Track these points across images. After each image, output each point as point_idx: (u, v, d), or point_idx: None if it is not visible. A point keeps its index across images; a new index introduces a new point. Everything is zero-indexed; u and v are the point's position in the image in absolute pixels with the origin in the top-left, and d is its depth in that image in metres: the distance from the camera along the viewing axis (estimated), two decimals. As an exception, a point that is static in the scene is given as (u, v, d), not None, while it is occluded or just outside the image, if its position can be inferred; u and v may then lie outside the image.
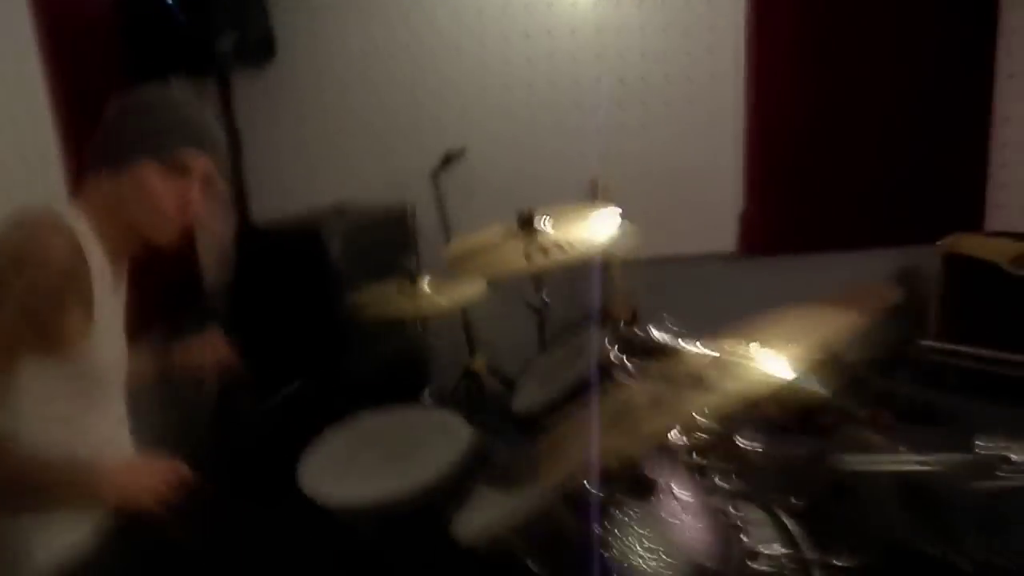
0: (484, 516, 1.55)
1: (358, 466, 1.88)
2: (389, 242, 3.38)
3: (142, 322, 1.69)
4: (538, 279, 2.46)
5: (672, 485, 1.48)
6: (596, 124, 3.47)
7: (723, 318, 1.61)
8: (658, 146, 3.53)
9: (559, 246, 1.97)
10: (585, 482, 1.42)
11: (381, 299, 2.36)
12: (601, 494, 1.43)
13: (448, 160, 3.49)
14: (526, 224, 2.07)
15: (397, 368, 3.18)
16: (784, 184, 3.52)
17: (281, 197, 3.54)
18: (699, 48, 3.43)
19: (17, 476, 1.32)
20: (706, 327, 1.64)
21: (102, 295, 1.45)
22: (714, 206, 3.58)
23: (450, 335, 3.45)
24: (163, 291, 2.47)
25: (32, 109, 2.39)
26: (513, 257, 1.99)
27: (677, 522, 1.42)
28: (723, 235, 3.59)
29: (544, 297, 2.40)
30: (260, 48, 3.26)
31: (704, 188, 3.57)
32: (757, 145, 3.49)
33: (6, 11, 2.29)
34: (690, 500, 1.45)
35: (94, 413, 1.49)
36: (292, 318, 2.88)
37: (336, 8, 3.45)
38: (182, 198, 1.47)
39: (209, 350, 1.86)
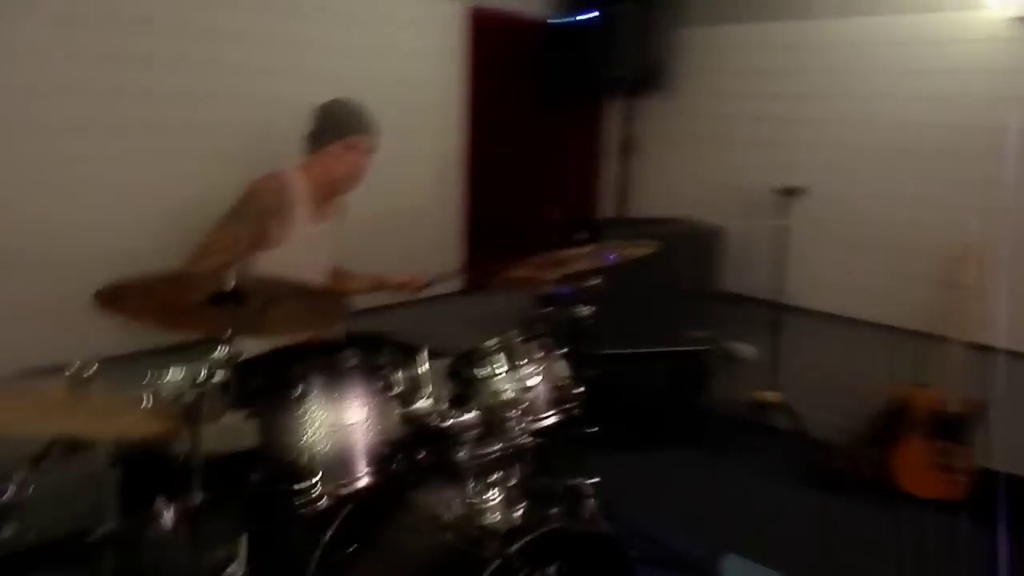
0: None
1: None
2: (700, 259, 3.53)
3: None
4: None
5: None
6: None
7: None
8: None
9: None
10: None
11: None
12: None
13: (791, 192, 3.42)
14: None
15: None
16: None
17: (658, 200, 4.00)
18: None
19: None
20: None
21: (301, 220, 2.38)
22: None
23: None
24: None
25: (447, 121, 3.46)
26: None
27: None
28: None
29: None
30: (653, 77, 3.78)
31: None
32: None
33: (446, 42, 3.42)
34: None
35: None
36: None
37: (735, 48, 3.70)
38: (354, 165, 2.41)
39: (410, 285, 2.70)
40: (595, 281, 2.35)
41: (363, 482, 1.63)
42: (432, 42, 3.37)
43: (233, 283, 1.45)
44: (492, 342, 1.96)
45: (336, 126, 2.40)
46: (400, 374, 1.74)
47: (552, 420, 1.96)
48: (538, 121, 3.86)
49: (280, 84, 2.83)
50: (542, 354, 2.00)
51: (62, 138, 2.41)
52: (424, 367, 1.76)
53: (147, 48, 2.52)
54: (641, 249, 2.32)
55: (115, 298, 1.49)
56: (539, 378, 1.83)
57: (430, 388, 1.75)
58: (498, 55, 3.61)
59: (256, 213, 2.30)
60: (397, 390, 1.72)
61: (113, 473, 1.87)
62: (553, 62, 3.83)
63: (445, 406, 1.72)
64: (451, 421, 1.70)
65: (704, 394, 3.61)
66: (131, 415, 1.57)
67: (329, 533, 1.78)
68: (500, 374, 1.93)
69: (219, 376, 1.39)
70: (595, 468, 2.41)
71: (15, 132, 2.32)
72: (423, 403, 1.72)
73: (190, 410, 1.40)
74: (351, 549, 1.75)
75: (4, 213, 2.33)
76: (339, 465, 1.62)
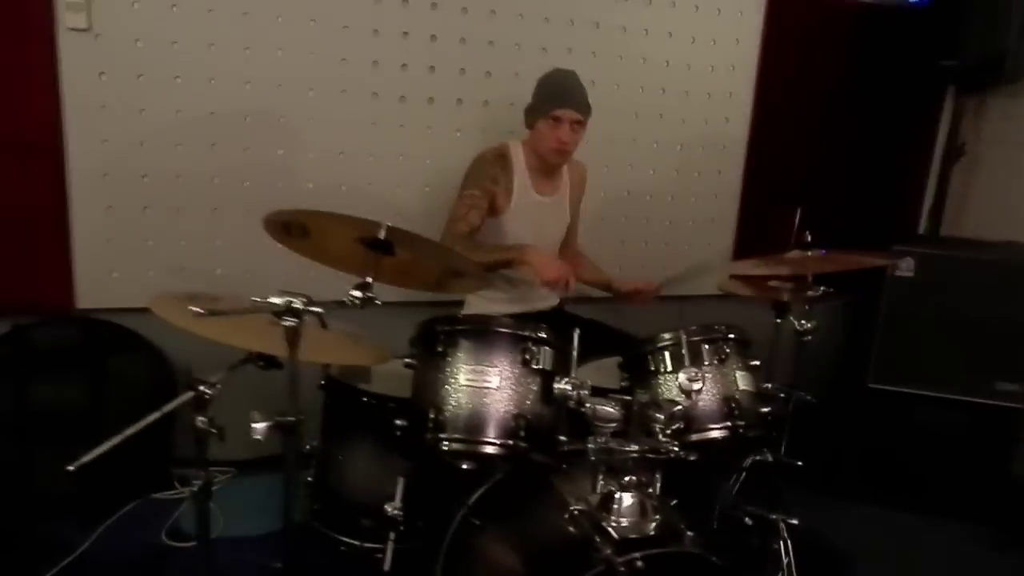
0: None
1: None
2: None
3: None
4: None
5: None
6: None
7: None
8: None
9: None
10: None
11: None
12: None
13: None
14: None
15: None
16: None
17: (988, 218, 3.33)
18: None
19: (477, 253, 2.29)
20: None
21: (520, 190, 2.49)
22: None
23: None
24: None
25: (735, 108, 3.26)
26: None
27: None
28: None
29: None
30: (996, 68, 3.13)
31: None
32: None
33: (744, 25, 3.20)
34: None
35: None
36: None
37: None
38: (559, 138, 2.40)
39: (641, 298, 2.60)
40: (822, 292, 2.01)
41: (491, 448, 1.61)
42: (730, 26, 3.19)
43: (384, 232, 1.52)
44: (667, 336, 1.80)
45: (541, 101, 2.43)
46: (547, 350, 1.68)
47: (715, 435, 1.74)
48: (843, 115, 3.41)
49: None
50: (721, 359, 1.78)
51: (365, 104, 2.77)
52: (574, 348, 1.68)
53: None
54: (880, 260, 1.93)
55: (279, 227, 1.66)
56: (703, 384, 1.63)
57: (573, 370, 1.66)
58: (800, 40, 3.28)
59: (487, 176, 2.45)
60: (539, 365, 1.66)
61: (319, 395, 2.13)
62: (870, 49, 3.35)
63: (586, 392, 1.63)
64: (588, 408, 1.60)
65: (1011, 462, 2.91)
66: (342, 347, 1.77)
67: (475, 497, 1.81)
68: (666, 372, 1.77)
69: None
70: (810, 510, 2.13)
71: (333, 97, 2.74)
72: (562, 384, 1.64)
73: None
74: (484, 517, 1.75)
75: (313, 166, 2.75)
76: (470, 426, 1.61)
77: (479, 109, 2.91)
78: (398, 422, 1.70)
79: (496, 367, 1.63)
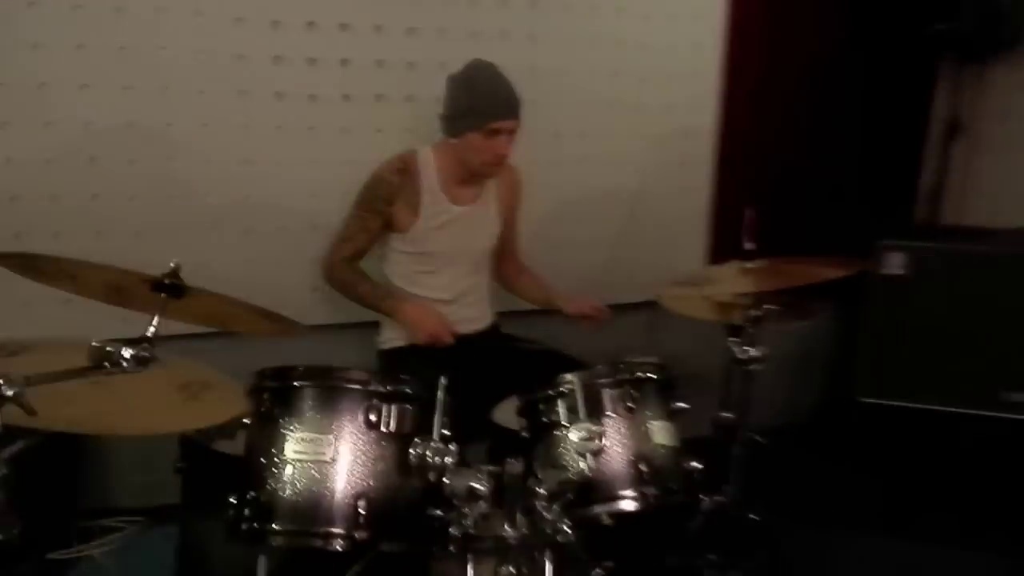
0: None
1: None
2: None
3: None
4: None
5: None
6: None
7: None
8: None
9: None
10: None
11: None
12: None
13: None
14: None
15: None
16: None
17: (994, 202, 2.92)
18: None
19: (353, 289, 2.20)
20: None
21: (431, 202, 2.19)
22: None
23: None
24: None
25: (697, 91, 2.88)
26: None
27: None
28: None
29: None
30: (1002, 34, 2.72)
31: None
32: None
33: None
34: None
35: (426, 277, 2.25)
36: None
37: None
38: (496, 152, 2.10)
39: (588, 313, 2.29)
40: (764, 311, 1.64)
41: (323, 541, 1.28)
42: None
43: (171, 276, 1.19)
44: (564, 380, 1.45)
45: (474, 112, 2.10)
46: (399, 407, 1.34)
47: (621, 506, 1.39)
48: (826, 92, 3.02)
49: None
50: (630, 408, 1.43)
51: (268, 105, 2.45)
52: (439, 400, 1.34)
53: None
54: (836, 271, 1.57)
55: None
56: (602, 443, 1.28)
57: (437, 429, 1.32)
58: (774, 6, 2.89)
59: (380, 198, 2.20)
60: (389, 427, 1.33)
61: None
62: (856, 15, 2.96)
63: (451, 459, 1.29)
64: (447, 484, 1.26)
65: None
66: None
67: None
68: (560, 425, 1.42)
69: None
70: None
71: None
72: (418, 450, 1.30)
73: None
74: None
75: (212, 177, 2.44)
76: (297, 512, 1.29)
77: (401, 106, 2.56)
78: (231, 499, 1.37)
79: (330, 434, 1.30)
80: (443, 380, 1.35)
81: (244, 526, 1.27)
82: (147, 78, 2.33)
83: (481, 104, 2.09)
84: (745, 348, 1.67)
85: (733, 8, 2.83)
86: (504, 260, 2.47)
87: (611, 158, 2.85)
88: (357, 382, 1.33)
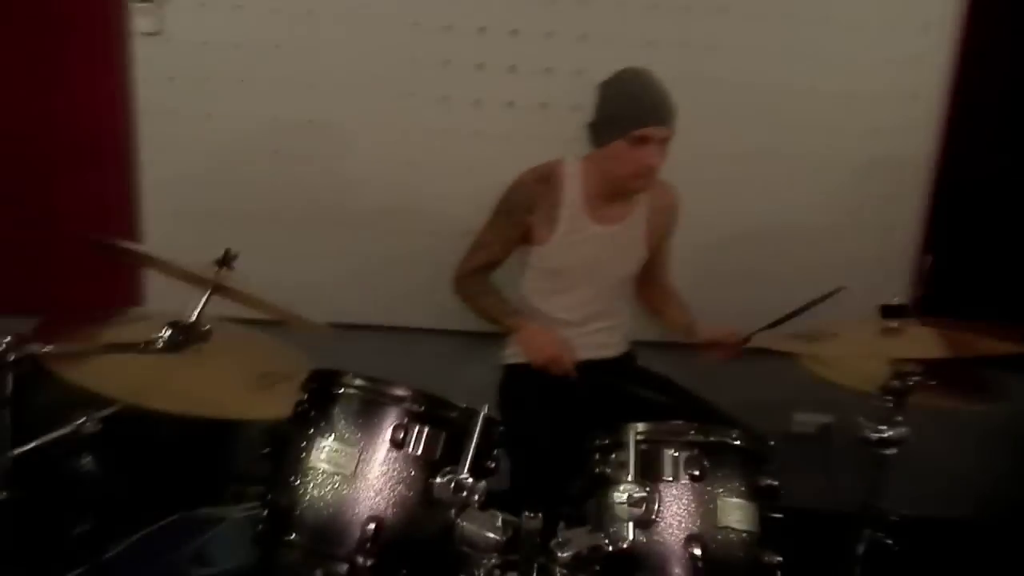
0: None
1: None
2: None
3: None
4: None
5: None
6: None
7: None
8: None
9: None
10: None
11: None
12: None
13: None
14: None
15: None
16: None
17: None
18: None
19: (477, 301, 2.12)
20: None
21: (570, 219, 2.04)
22: None
23: None
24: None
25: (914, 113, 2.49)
26: None
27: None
28: None
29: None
30: None
31: None
32: None
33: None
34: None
35: (556, 296, 2.11)
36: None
37: None
38: (643, 163, 1.91)
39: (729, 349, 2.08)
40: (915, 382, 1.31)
41: (332, 565, 1.21)
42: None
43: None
44: (628, 428, 1.26)
45: (620, 118, 1.91)
46: (429, 429, 1.24)
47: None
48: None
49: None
50: (697, 476, 1.19)
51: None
52: (476, 431, 1.22)
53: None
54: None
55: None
56: (650, 509, 1.08)
57: (465, 464, 1.20)
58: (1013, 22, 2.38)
59: (519, 206, 2.06)
60: (415, 450, 1.23)
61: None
62: None
63: (476, 496, 1.16)
64: (459, 527, 1.14)
65: None
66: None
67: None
68: (609, 481, 1.23)
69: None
70: None
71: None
72: (442, 479, 1.19)
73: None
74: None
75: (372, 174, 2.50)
76: (315, 528, 1.23)
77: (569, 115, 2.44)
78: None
79: (356, 446, 1.23)
80: (484, 411, 1.23)
81: (263, 528, 1.24)
82: (330, 78, 2.43)
83: (628, 110, 1.92)
84: (880, 427, 1.34)
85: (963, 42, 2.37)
86: (646, 284, 2.28)
87: (798, 184, 2.52)
88: (393, 396, 1.25)
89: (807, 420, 2.69)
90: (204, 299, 1.22)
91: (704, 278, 2.44)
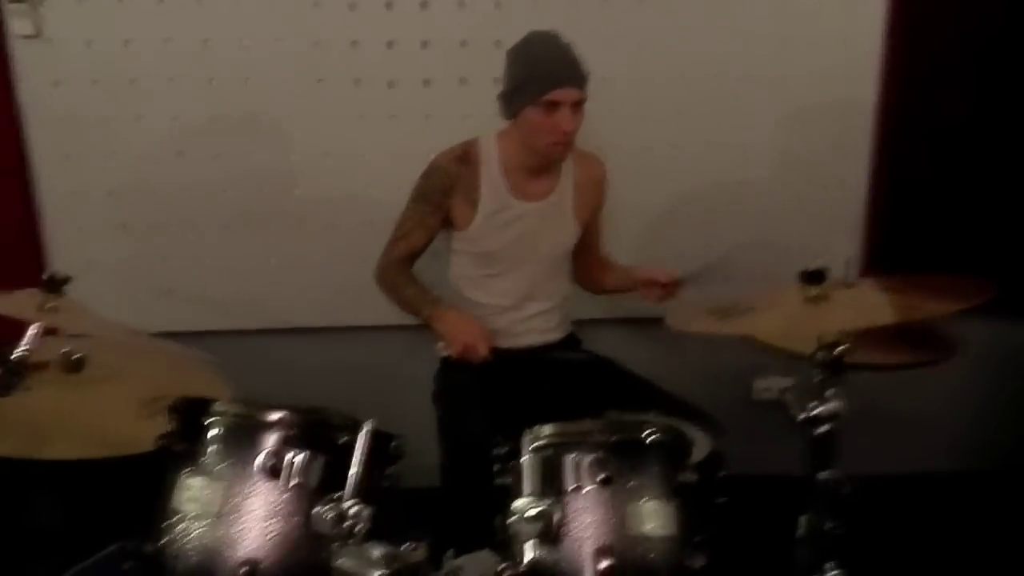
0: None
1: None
2: None
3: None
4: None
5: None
6: None
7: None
8: None
9: None
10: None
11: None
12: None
13: None
14: None
15: None
16: None
17: None
18: None
19: (397, 293, 1.99)
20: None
21: (492, 197, 1.93)
22: None
23: None
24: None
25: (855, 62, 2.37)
26: None
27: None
28: None
29: None
30: None
31: None
32: None
33: None
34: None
35: (488, 281, 2.01)
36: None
37: None
38: (558, 128, 1.80)
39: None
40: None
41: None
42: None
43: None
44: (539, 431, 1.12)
45: (528, 83, 1.80)
46: (309, 456, 1.10)
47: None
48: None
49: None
50: (606, 480, 1.07)
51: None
52: (360, 449, 1.08)
53: None
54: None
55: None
56: (555, 523, 0.96)
57: (352, 487, 1.06)
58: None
59: (436, 189, 1.95)
60: (296, 479, 1.10)
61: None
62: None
63: (362, 525, 1.03)
64: (336, 564, 1.01)
65: None
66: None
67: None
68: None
69: None
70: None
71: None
72: (323, 508, 1.06)
73: None
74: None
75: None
76: (187, 571, 1.09)
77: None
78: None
79: (223, 481, 1.09)
80: (369, 425, 1.09)
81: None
82: (229, 70, 2.27)
83: (535, 74, 1.79)
84: (810, 404, 1.22)
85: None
86: (586, 261, 2.16)
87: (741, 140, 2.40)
88: (263, 422, 1.11)
89: (768, 386, 2.58)
90: (34, 333, 1.06)
91: (650, 240, 2.39)
